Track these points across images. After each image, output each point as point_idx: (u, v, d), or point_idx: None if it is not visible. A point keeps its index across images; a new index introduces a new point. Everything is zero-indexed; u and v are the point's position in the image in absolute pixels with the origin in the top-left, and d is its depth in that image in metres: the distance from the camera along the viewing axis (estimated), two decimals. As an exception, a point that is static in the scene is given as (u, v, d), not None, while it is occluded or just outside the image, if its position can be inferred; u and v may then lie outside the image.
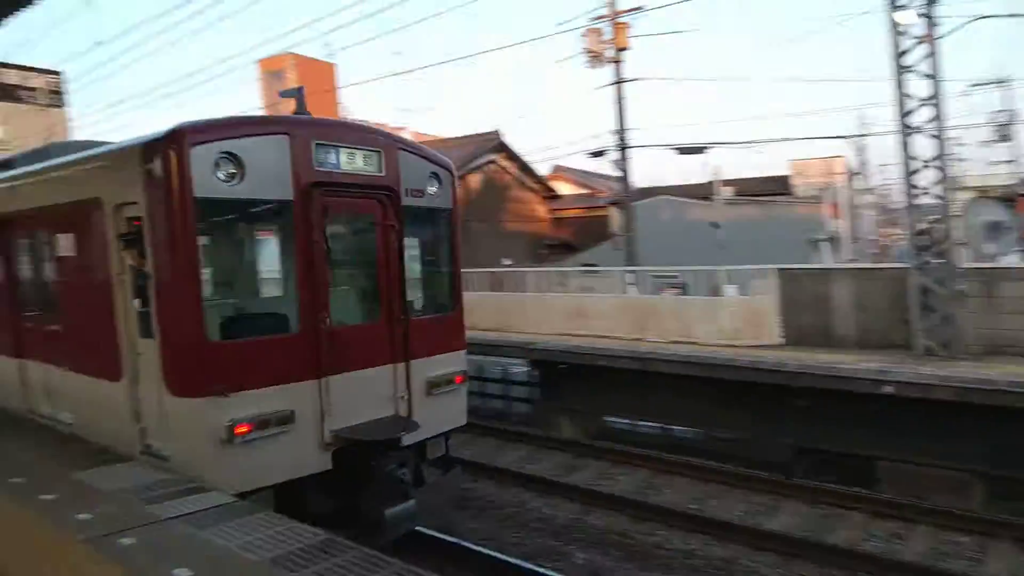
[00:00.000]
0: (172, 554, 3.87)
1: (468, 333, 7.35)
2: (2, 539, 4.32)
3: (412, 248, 6.64)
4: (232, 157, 5.36)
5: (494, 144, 28.08)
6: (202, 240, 5.30)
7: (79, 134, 67.26)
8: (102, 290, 5.98)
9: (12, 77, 48.21)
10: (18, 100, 46.48)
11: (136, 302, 5.66)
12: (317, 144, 5.92)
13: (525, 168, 29.62)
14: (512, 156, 28.90)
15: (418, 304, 6.84)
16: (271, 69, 35.78)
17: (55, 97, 48.13)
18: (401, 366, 6.40)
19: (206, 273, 5.39)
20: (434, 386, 6.69)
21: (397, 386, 6.39)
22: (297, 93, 6.66)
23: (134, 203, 5.53)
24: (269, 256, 5.86)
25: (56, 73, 50.08)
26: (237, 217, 5.66)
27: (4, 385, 7.75)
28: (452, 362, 6.91)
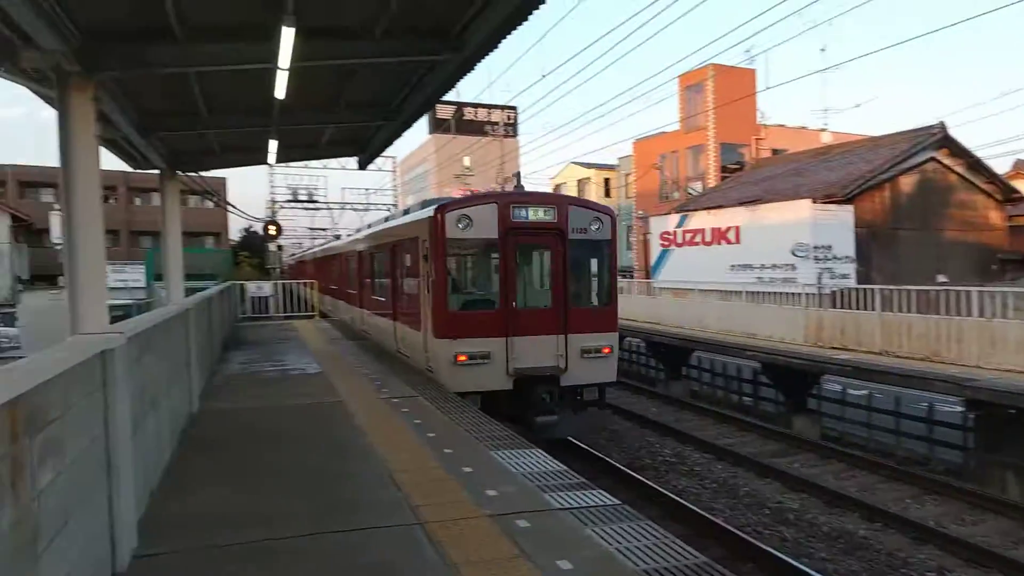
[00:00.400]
0: (557, 545, 4.28)
1: (884, 359, 11.85)
2: (428, 495, 5.03)
3: (577, 264, 10.94)
4: (466, 216, 10.44)
5: (935, 140, 24.28)
6: (450, 259, 10.50)
7: (525, 159, 77.11)
8: (418, 283, 11.20)
9: (479, 114, 57.57)
10: (483, 134, 55.22)
11: (428, 290, 10.62)
12: (513, 207, 10.64)
13: (975, 166, 25.01)
14: (957, 152, 24.64)
15: (578, 299, 10.97)
16: (690, 83, 36.33)
17: (510, 129, 56.20)
18: (562, 336, 10.66)
19: (451, 276, 10.52)
20: (586, 352, 10.71)
21: (558, 349, 10.65)
22: (517, 178, 13.20)
23: (426, 240, 10.70)
24: (484, 267, 10.83)
25: (512, 108, 58.29)
26: (468, 247, 10.68)
27: (385, 335, 13.82)
28: (603, 339, 10.84)
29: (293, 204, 48.84)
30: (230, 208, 31.85)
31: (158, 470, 5.50)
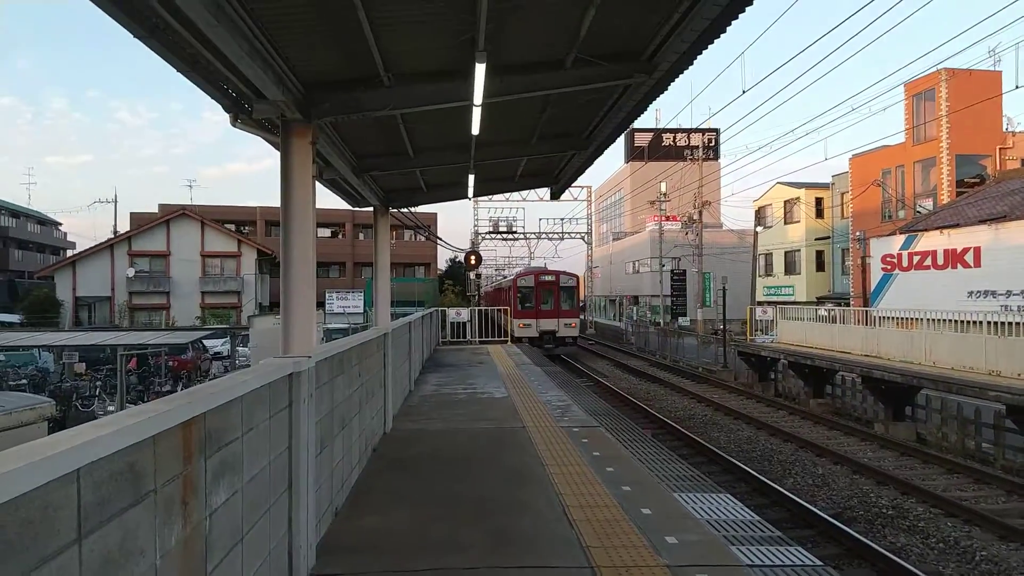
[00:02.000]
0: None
1: None
2: (602, 536, 4.74)
3: (564, 294, 32.05)
4: (524, 279, 32.75)
5: None
6: (518, 294, 32.13)
7: (725, 180, 73.97)
8: (510, 298, 32.87)
9: (678, 139, 56.04)
10: (682, 159, 53.50)
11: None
12: (540, 276, 32.68)
13: None
14: None
15: (564, 306, 31.95)
16: (919, 90, 32.81)
17: (710, 152, 54.02)
18: (557, 319, 31.50)
19: (519, 305, 31.83)
20: (566, 324, 31.48)
21: (556, 323, 31.47)
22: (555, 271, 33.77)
23: (511, 287, 33.32)
24: (530, 298, 32.48)
25: (714, 131, 56.13)
26: (525, 289, 32.26)
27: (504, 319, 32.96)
28: (572, 319, 31.77)
29: (493, 235, 50.90)
30: (437, 240, 33.84)
31: (345, 489, 5.67)
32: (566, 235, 53.95)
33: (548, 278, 33.28)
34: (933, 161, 32.60)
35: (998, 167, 31.35)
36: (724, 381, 25.14)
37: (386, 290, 14.23)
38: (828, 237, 42.76)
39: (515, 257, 64.30)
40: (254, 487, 3.22)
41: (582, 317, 51.64)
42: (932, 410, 15.83)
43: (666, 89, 9.31)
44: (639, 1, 7.51)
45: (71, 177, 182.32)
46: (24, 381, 20.25)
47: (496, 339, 24.96)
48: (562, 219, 54.72)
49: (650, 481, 6.22)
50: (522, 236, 52.01)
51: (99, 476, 1.97)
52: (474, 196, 17.05)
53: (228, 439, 2.92)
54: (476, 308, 26.97)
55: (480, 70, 7.68)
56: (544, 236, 52.99)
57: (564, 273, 34.02)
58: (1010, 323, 15.86)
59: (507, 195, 40.67)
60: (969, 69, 29.66)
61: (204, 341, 28.17)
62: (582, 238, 55.00)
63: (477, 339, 24.05)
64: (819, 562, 4.57)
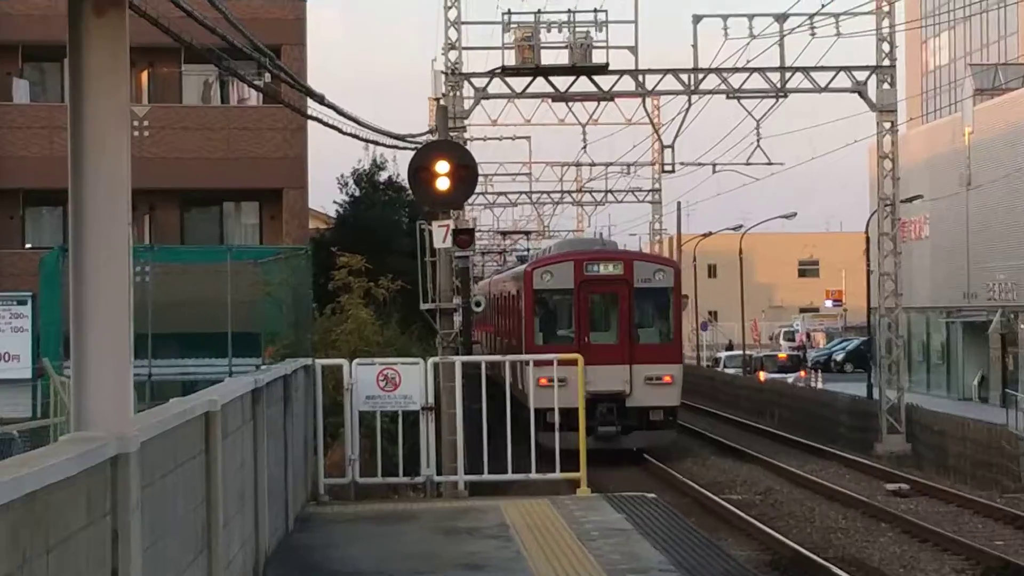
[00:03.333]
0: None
1: None
2: None
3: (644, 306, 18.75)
4: (549, 272, 18.65)
5: None
6: (537, 306, 18.63)
7: None
8: (517, 316, 19.36)
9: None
10: None
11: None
12: (587, 263, 18.50)
13: None
14: None
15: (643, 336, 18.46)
16: None
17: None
18: (627, 366, 17.34)
19: (538, 316, 18.73)
20: (648, 379, 17.39)
21: (623, 376, 17.32)
22: None
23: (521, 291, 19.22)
24: (564, 310, 18.58)
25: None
26: (549, 295, 18.67)
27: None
28: (665, 369, 17.82)
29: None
30: (302, 93, 30.55)
31: None
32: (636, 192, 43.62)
33: (606, 267, 17.94)
34: None
35: None
36: None
37: (119, 299, 5.34)
38: None
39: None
40: None
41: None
42: None
43: None
44: None
45: None
46: None
47: (526, 472, 8.53)
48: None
49: None
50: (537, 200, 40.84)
51: None
52: None
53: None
54: (453, 358, 10.50)
55: None
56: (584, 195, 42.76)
57: (644, 258, 19.73)
58: None
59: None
60: None
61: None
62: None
63: (462, 477, 8.81)
64: None
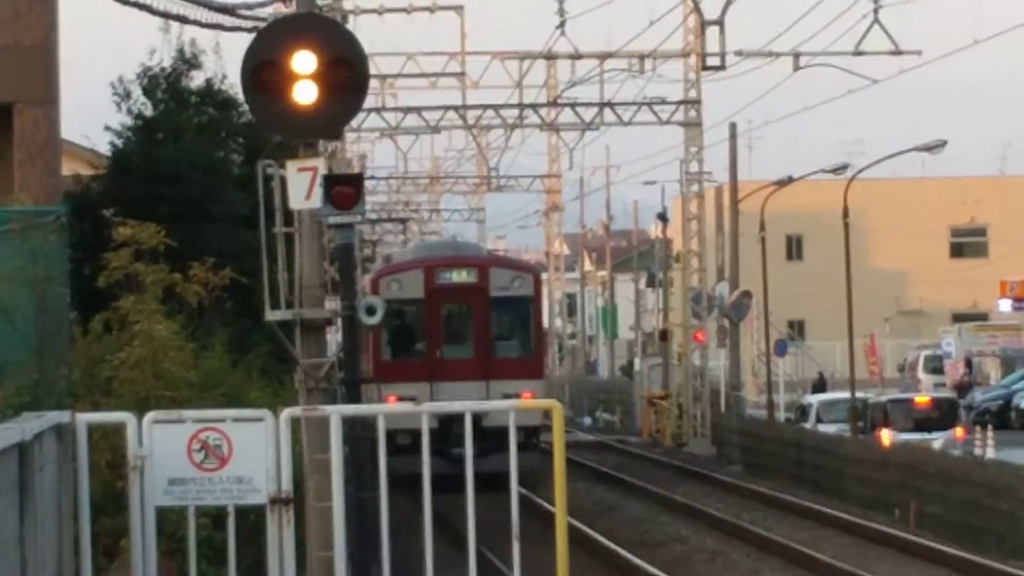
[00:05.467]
0: None
1: None
2: None
3: (502, 317, 35.46)
4: (397, 280, 33.98)
5: None
6: (385, 318, 16.20)
7: None
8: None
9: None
10: None
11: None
12: (438, 270, 34.15)
13: None
14: None
15: (500, 349, 34.28)
16: None
17: None
18: (484, 383, 31.39)
19: (387, 329, 31.61)
20: (507, 397, 24.30)
21: (480, 394, 29.64)
22: None
23: None
24: (415, 322, 34.73)
25: None
26: (398, 305, 31.71)
27: None
28: (525, 385, 29.96)
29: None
30: None
31: None
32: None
33: (460, 275, 30.28)
34: None
35: None
36: None
37: None
38: None
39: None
40: None
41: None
42: None
43: None
44: None
45: None
46: None
47: None
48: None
49: None
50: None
51: None
52: None
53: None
54: (327, 408, 11.06)
55: None
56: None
57: (501, 264, 30.89)
58: None
59: None
60: None
61: None
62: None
63: None
64: None
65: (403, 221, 68.88)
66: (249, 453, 8.24)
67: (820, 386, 61.55)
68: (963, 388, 52.86)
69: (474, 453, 10.62)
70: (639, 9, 48.69)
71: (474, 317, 28.05)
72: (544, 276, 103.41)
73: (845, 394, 46.10)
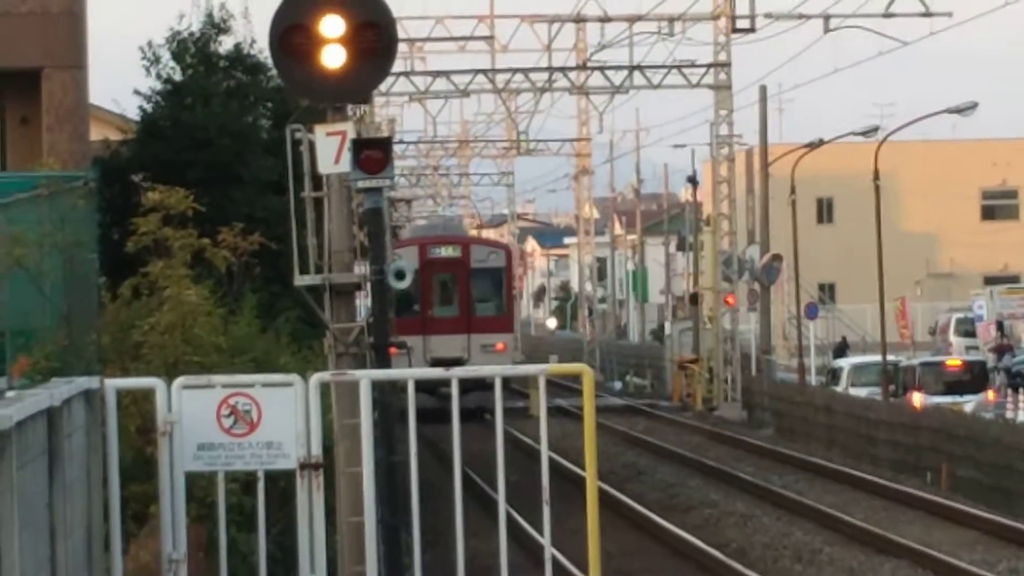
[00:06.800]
0: None
1: None
2: None
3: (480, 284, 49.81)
4: (397, 254, 27.25)
5: None
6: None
7: None
8: None
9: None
10: None
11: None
12: (430, 246, 48.18)
13: None
14: None
15: (479, 309, 49.54)
16: None
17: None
18: (466, 335, 46.22)
19: None
20: (484, 347, 44.60)
21: (462, 344, 46.04)
22: None
23: None
24: (412, 288, 30.66)
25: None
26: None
27: None
28: (498, 337, 46.58)
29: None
30: None
31: None
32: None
33: (447, 251, 38.31)
34: None
35: None
36: None
37: None
38: None
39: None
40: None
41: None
42: None
43: None
44: None
45: None
46: None
47: None
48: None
49: None
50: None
51: None
52: None
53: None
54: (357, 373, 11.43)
55: None
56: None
57: (479, 242, 37.01)
58: None
59: None
60: None
61: None
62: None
63: None
64: None
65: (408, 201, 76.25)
66: (279, 418, 8.23)
67: (841, 350, 61.32)
68: (1002, 351, 52.28)
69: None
70: (669, -29, 48.33)
71: (458, 284, 34.50)
72: (573, 240, 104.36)
73: (876, 357, 46.23)
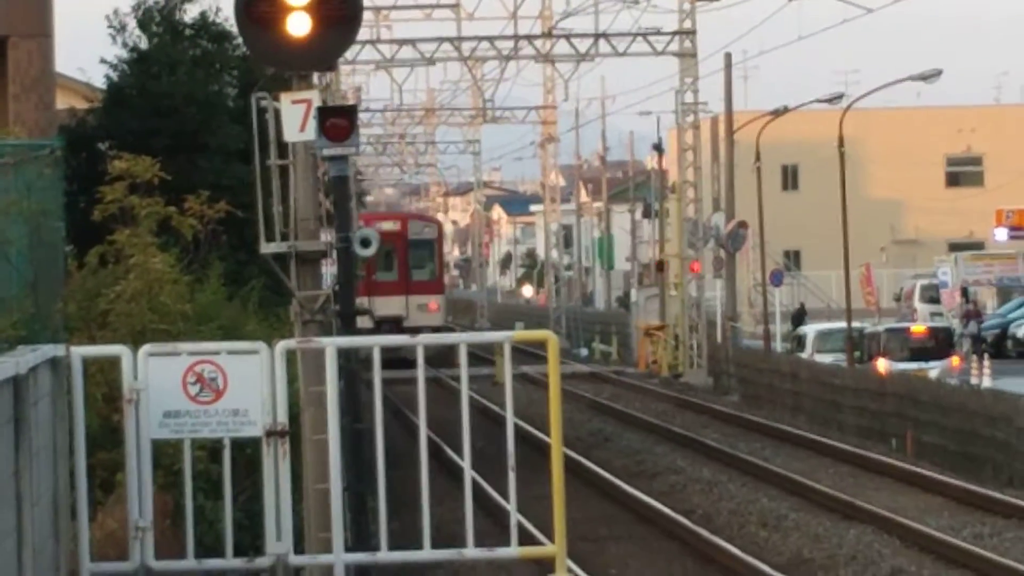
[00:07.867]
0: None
1: None
2: None
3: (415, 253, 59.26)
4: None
5: None
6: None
7: None
8: None
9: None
10: None
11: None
12: (375, 221, 54.25)
13: None
14: None
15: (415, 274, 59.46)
16: None
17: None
18: (404, 297, 56.50)
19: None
20: (419, 306, 55.22)
21: (401, 304, 56.08)
22: None
23: None
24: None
25: None
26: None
27: None
28: (431, 298, 57.73)
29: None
30: None
31: None
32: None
33: (389, 225, 41.92)
34: None
35: None
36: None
37: None
38: None
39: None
40: None
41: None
42: None
43: None
44: None
45: None
46: None
47: (458, 547, 10.05)
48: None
49: None
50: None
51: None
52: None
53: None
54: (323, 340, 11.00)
55: None
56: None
57: (414, 217, 41.29)
58: None
59: None
60: None
61: None
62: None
63: (342, 558, 9.01)
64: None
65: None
66: (245, 386, 8.21)
67: (800, 316, 61.66)
68: (970, 317, 52.55)
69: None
70: (635, -63, 48.11)
71: (397, 253, 38.01)
72: (539, 208, 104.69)
73: (841, 324, 46.30)
